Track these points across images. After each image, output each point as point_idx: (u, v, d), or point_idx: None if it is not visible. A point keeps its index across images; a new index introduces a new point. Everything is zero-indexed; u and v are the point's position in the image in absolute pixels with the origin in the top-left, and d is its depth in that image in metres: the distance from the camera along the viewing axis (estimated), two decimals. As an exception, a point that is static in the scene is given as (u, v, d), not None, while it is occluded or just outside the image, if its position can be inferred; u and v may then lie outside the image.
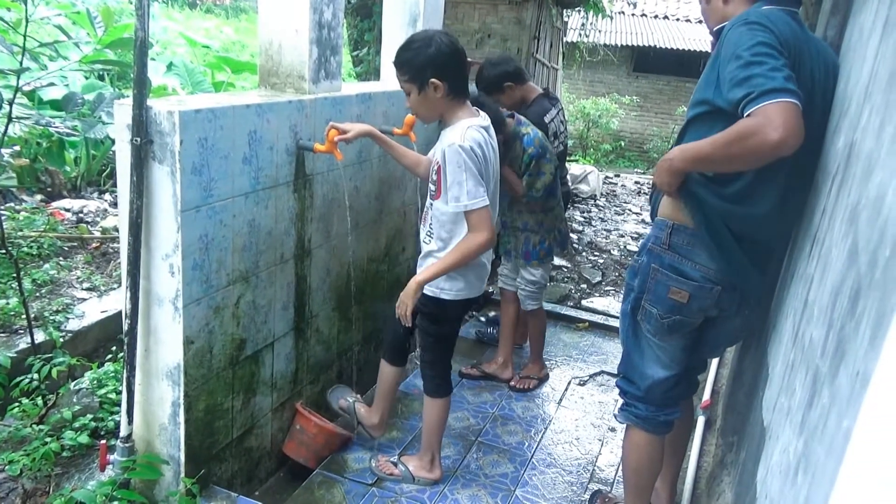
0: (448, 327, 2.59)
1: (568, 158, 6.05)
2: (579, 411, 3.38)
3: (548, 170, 3.16)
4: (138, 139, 1.89)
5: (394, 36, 3.38)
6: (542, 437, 3.12)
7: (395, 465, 2.71)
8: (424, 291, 2.42)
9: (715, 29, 1.94)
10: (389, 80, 3.44)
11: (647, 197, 2.15)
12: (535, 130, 3.19)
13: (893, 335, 0.77)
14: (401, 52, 2.24)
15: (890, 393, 0.76)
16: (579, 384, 3.66)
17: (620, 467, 2.65)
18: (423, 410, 2.70)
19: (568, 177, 4.56)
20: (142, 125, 1.89)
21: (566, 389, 3.58)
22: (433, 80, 2.20)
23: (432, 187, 2.37)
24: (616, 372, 2.30)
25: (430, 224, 2.42)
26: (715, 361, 3.52)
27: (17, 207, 4.66)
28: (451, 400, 2.68)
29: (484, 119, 2.34)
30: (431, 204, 2.39)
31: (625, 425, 2.25)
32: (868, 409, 0.80)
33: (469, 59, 2.35)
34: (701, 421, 2.97)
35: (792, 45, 1.67)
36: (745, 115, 1.57)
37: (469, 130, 2.23)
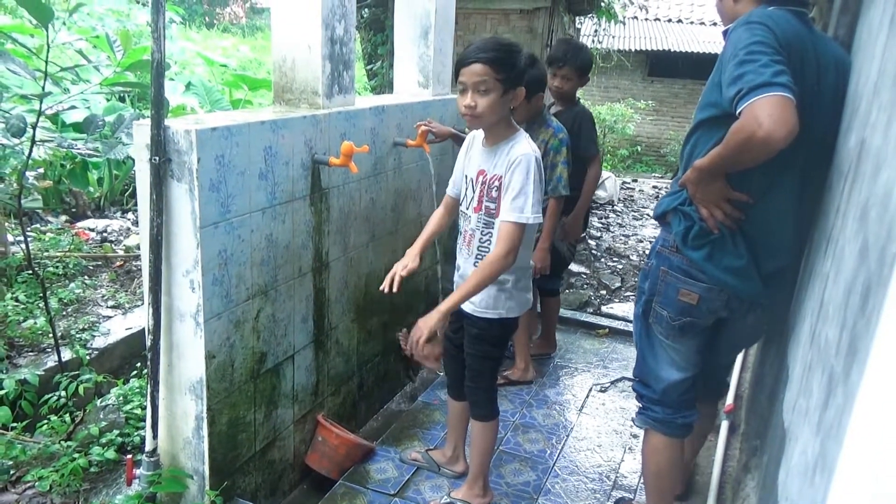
0: (504, 347, 2.49)
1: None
2: (601, 418, 3.37)
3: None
4: (157, 158, 1.93)
5: (406, 49, 3.42)
6: (563, 444, 3.10)
7: None
8: (486, 316, 2.31)
9: (724, 30, 1.95)
10: (403, 92, 3.48)
11: None
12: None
13: (885, 329, 0.77)
14: (501, 51, 2.08)
15: (883, 384, 0.77)
16: (600, 391, 3.64)
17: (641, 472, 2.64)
18: (472, 436, 2.55)
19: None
20: (160, 144, 1.93)
21: (587, 396, 3.57)
22: (523, 87, 2.16)
23: (491, 205, 2.22)
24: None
25: (483, 245, 2.27)
26: (738, 365, 3.49)
27: (43, 228, 4.77)
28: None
29: None
30: (487, 222, 2.25)
31: (644, 430, 2.25)
32: (863, 400, 0.80)
33: None
34: (725, 425, 2.94)
35: (794, 44, 1.67)
36: (737, 113, 1.58)
37: (532, 144, 2.20)
